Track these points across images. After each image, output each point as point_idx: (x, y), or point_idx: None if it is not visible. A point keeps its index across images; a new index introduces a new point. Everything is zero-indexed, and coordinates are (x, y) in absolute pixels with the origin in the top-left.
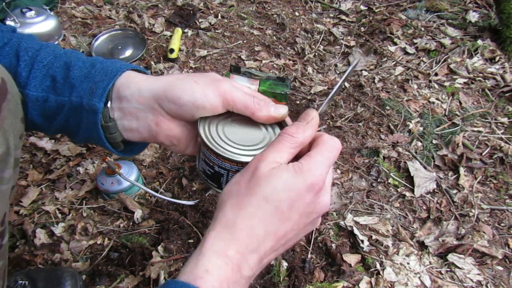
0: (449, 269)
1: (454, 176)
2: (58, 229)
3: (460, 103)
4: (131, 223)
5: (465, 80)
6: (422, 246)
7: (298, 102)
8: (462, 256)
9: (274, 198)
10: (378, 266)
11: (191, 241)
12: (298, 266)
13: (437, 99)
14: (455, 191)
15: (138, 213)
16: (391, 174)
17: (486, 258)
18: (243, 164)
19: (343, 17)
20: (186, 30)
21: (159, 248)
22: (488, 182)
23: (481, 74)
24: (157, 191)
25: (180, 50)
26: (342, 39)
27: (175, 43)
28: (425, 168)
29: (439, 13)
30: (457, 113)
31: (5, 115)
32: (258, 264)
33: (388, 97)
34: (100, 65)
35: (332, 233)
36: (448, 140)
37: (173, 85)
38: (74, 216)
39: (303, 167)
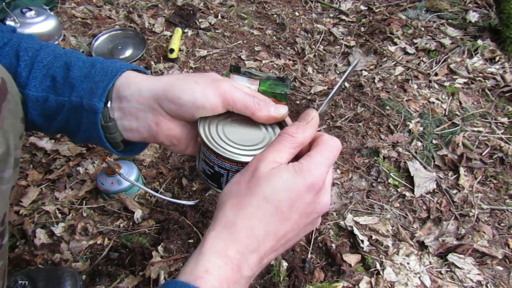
0: (449, 269)
1: (454, 176)
2: (58, 229)
3: (460, 103)
4: (131, 223)
5: (465, 80)
6: (422, 246)
7: (298, 102)
8: (462, 256)
9: (274, 198)
10: (378, 266)
11: (191, 241)
12: (298, 266)
13: (437, 99)
14: (455, 191)
15: (138, 213)
16: (391, 174)
17: (486, 258)
18: (243, 164)
19: (343, 17)
20: (186, 30)
21: (159, 248)
22: (488, 182)
23: (481, 74)
24: (157, 191)
25: (180, 50)
26: (342, 39)
27: (175, 43)
28: (425, 168)
29: (439, 13)
30: (457, 113)
31: (5, 115)
32: (258, 264)
33: (388, 97)
34: (100, 65)
35: (332, 233)
36: (448, 140)
37: (173, 85)
38: (74, 216)
39: (303, 167)
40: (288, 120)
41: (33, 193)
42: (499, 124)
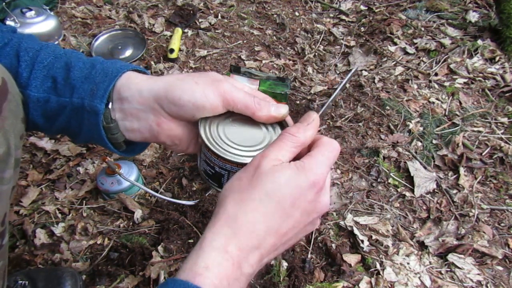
0: (449, 269)
1: (454, 176)
2: (58, 229)
3: (460, 103)
4: (131, 223)
5: (465, 80)
6: (422, 246)
7: (298, 102)
8: (462, 256)
9: (277, 193)
10: (378, 266)
11: (191, 241)
12: (298, 266)
13: (437, 99)
14: (455, 191)
15: (138, 213)
16: (391, 174)
17: (486, 258)
18: (244, 166)
19: (343, 17)
20: (186, 30)
21: (159, 248)
22: (488, 182)
23: (481, 74)
24: (157, 191)
25: (180, 50)
26: (342, 39)
27: (175, 43)
28: (425, 168)
29: (439, 13)
30: (457, 113)
31: (6, 115)
32: (259, 262)
33: (388, 97)
34: (100, 65)
35: (332, 233)
36: (448, 140)
37: (173, 85)
38: (74, 216)
39: (305, 165)
40: (288, 119)
41: (33, 193)
42: (499, 124)
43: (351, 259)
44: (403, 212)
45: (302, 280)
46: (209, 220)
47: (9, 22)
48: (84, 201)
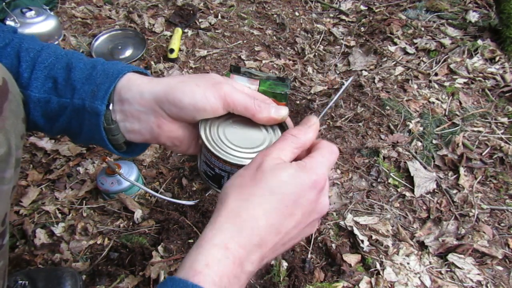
0: (449, 269)
1: (454, 176)
2: (58, 229)
3: (460, 103)
4: (131, 223)
5: (465, 80)
6: (422, 246)
7: (298, 102)
8: (462, 256)
9: (280, 191)
10: (378, 266)
11: (191, 241)
12: (298, 266)
13: (437, 99)
14: (455, 191)
15: (138, 213)
16: (391, 174)
17: (486, 258)
18: None
19: (343, 17)
20: (186, 30)
21: (159, 248)
22: (488, 182)
23: (481, 74)
24: (157, 191)
25: (180, 50)
26: (342, 39)
27: (175, 43)
28: (425, 168)
29: (439, 13)
30: (457, 113)
31: (7, 115)
32: (260, 260)
33: (388, 97)
34: (101, 66)
35: (332, 233)
36: (448, 140)
37: (174, 88)
38: (74, 216)
39: (307, 165)
40: (288, 121)
41: (33, 193)
42: (499, 124)
43: (351, 259)
44: (403, 212)
45: (302, 280)
46: (209, 220)
47: (9, 22)
48: (84, 201)
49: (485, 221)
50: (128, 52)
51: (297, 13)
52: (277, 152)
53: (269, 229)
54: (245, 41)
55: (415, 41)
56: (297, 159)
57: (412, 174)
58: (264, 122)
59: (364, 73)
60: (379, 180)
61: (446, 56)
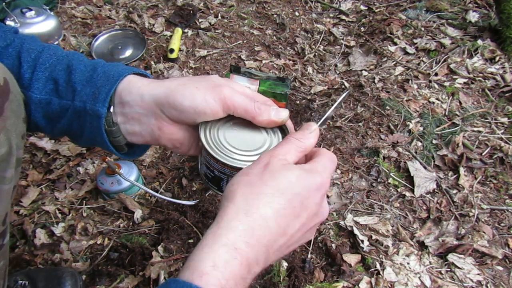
0: (449, 269)
1: (454, 176)
2: (58, 229)
3: (460, 103)
4: (131, 223)
5: (465, 80)
6: (422, 246)
7: (298, 102)
8: (462, 256)
9: (289, 191)
10: (378, 266)
11: (191, 241)
12: (298, 266)
13: (437, 99)
14: (455, 191)
15: (138, 213)
16: (391, 174)
17: (486, 258)
18: None
19: (343, 17)
20: (186, 30)
21: (159, 248)
22: (488, 182)
23: (481, 74)
24: (157, 191)
25: (180, 50)
26: (342, 39)
27: (175, 43)
28: (425, 168)
29: (439, 13)
30: (457, 113)
31: (8, 115)
32: (265, 262)
33: (388, 97)
34: (101, 69)
35: (332, 233)
36: (448, 140)
37: (174, 91)
38: (74, 216)
39: (312, 168)
40: (289, 123)
41: (33, 193)
42: (499, 124)
43: (351, 259)
44: (403, 212)
45: (302, 280)
46: (209, 220)
47: (9, 22)
48: (84, 201)
49: (485, 221)
50: (128, 52)
51: (297, 13)
52: (284, 153)
53: (277, 229)
54: (245, 41)
55: (415, 41)
56: (297, 163)
57: (412, 174)
58: (264, 125)
59: (364, 73)
60: (379, 180)
61: (446, 56)
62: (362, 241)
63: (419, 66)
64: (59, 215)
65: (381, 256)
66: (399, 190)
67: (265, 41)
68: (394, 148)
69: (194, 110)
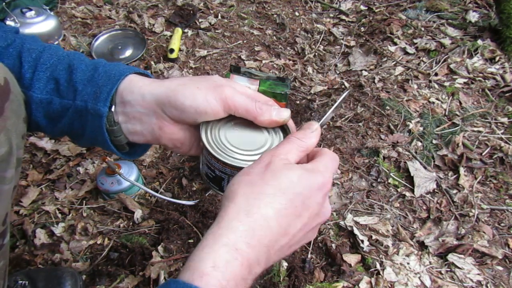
0: (449, 269)
1: (454, 176)
2: (58, 229)
3: (460, 103)
4: (131, 223)
5: (465, 80)
6: (422, 246)
7: (298, 102)
8: (462, 256)
9: (291, 191)
10: (378, 266)
11: (191, 241)
12: (298, 266)
13: (437, 99)
14: (455, 191)
15: (138, 213)
16: (391, 174)
17: (486, 258)
18: None
19: (343, 17)
20: (186, 30)
21: (159, 248)
22: (488, 182)
23: (481, 74)
24: (157, 191)
25: (180, 50)
26: (342, 39)
27: (175, 43)
28: (425, 168)
29: (439, 13)
30: (457, 113)
31: (8, 115)
32: (266, 261)
33: (388, 97)
34: (102, 68)
35: (332, 233)
36: (448, 140)
37: (175, 91)
38: (74, 216)
39: (314, 168)
40: (290, 123)
41: (33, 193)
42: (499, 124)
43: (351, 259)
44: (403, 212)
45: (302, 280)
46: (209, 220)
47: (9, 22)
48: (84, 201)
49: (485, 221)
50: (128, 52)
51: (297, 13)
52: (285, 152)
53: (279, 229)
54: (245, 41)
55: (415, 41)
56: (298, 163)
57: (412, 174)
58: (266, 125)
59: (364, 73)
60: (379, 180)
61: (446, 56)
62: (362, 241)
63: (419, 66)
64: (59, 215)
65: (381, 256)
66: (399, 190)
67: (265, 41)
68: (394, 148)
69: (195, 110)
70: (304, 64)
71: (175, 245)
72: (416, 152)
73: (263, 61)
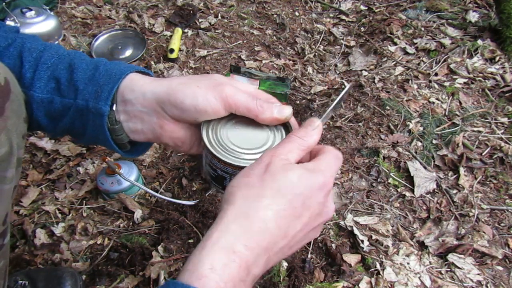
0: (449, 269)
1: (454, 176)
2: (58, 229)
3: (460, 103)
4: (131, 223)
5: (465, 80)
6: (422, 246)
7: (298, 102)
8: (462, 256)
9: (289, 192)
10: (378, 266)
11: (191, 241)
12: (298, 266)
13: (437, 99)
14: (455, 191)
15: (138, 213)
16: (391, 174)
17: (486, 258)
18: None
19: (343, 17)
20: (186, 30)
21: (159, 248)
22: (488, 182)
23: (481, 74)
24: (157, 191)
25: (180, 50)
26: (342, 39)
27: (175, 43)
28: (425, 168)
29: (439, 13)
30: (457, 113)
31: (9, 115)
32: (266, 264)
33: (388, 97)
34: (103, 67)
35: (332, 233)
36: (448, 140)
37: (175, 89)
38: (74, 216)
39: (315, 167)
40: (292, 120)
41: (33, 193)
42: (499, 124)
43: (351, 259)
44: (403, 212)
45: (302, 280)
46: (209, 220)
47: (9, 22)
48: (84, 201)
49: (485, 221)
50: (128, 52)
51: (297, 13)
52: (285, 152)
53: (278, 231)
54: (245, 41)
55: (415, 41)
56: (300, 162)
57: (412, 174)
58: (268, 123)
59: (364, 73)
60: (379, 180)
61: (446, 56)
62: (362, 241)
63: (419, 66)
64: (59, 215)
65: (381, 256)
66: (399, 190)
67: (265, 41)
68: (394, 148)
69: (195, 108)
70: (304, 64)
71: (175, 245)
72: (416, 152)
73: (263, 61)
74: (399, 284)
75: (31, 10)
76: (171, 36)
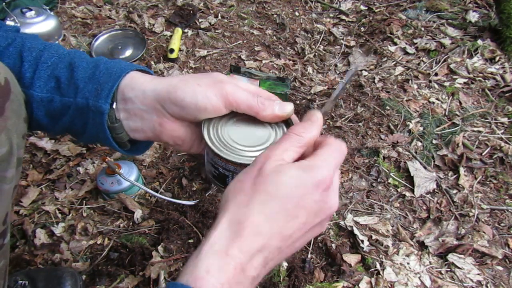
0: (449, 269)
1: (454, 176)
2: (58, 229)
3: (460, 103)
4: (131, 223)
5: (465, 80)
6: (422, 246)
7: (298, 102)
8: (462, 256)
9: (280, 194)
10: (378, 266)
11: (191, 241)
12: (298, 266)
13: (437, 99)
14: (455, 191)
15: (138, 213)
16: (391, 174)
17: (486, 258)
18: (247, 166)
19: (343, 17)
20: (186, 30)
21: (159, 248)
22: (488, 182)
23: (481, 74)
24: (157, 191)
25: (180, 50)
26: (342, 39)
27: (175, 43)
28: (425, 168)
29: (439, 13)
30: (457, 113)
31: (9, 115)
32: (263, 265)
33: (388, 97)
34: (104, 65)
35: (332, 233)
36: (448, 140)
37: (175, 87)
38: (74, 216)
39: (310, 164)
40: (293, 117)
41: (33, 193)
42: (499, 124)
43: (351, 259)
44: (403, 212)
45: (302, 280)
46: (209, 220)
47: (9, 22)
48: (84, 201)
49: (485, 221)
50: (128, 52)
51: (297, 13)
52: (280, 153)
53: (272, 233)
54: (245, 41)
55: (415, 41)
56: (302, 156)
57: (412, 174)
58: (269, 120)
59: (364, 73)
60: (379, 180)
61: (446, 56)
62: (362, 241)
63: (419, 66)
64: (59, 215)
65: (381, 256)
66: (399, 190)
67: (265, 41)
68: (394, 148)
69: (195, 106)
70: (304, 64)
71: (175, 245)
72: (416, 152)
73: (263, 61)
74: (399, 284)
75: (31, 10)
76: (171, 36)
